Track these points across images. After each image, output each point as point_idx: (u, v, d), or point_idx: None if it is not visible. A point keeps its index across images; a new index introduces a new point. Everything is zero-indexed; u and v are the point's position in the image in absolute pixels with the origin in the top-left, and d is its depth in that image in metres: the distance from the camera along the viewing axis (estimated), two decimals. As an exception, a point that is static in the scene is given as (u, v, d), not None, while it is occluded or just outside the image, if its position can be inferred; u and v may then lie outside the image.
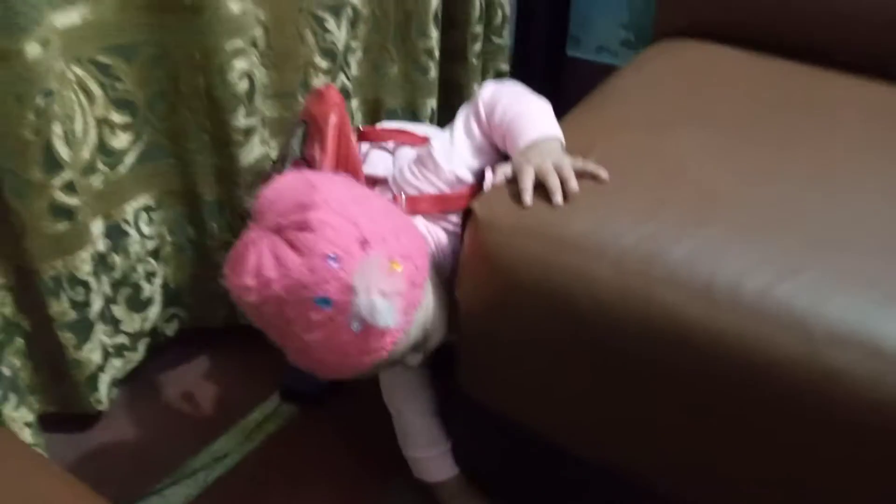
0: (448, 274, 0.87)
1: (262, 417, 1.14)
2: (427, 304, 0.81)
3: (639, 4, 1.56)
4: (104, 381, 1.06)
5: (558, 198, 0.76)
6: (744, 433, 0.70)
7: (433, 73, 1.34)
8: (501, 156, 0.88)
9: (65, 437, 1.09)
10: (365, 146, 1.01)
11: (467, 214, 0.80)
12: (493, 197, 0.80)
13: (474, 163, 0.89)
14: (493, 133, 0.89)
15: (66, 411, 1.07)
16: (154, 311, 1.13)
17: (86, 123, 0.95)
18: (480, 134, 0.90)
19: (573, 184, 0.77)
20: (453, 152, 0.90)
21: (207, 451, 1.09)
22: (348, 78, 1.21)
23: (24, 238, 0.91)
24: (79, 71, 0.93)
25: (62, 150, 0.88)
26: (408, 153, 0.96)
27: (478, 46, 1.42)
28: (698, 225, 0.73)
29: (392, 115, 1.35)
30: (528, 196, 0.76)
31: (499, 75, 1.53)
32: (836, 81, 1.03)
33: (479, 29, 1.41)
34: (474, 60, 1.43)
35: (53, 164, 0.88)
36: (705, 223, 0.74)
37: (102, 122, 0.98)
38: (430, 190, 0.89)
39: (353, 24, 1.20)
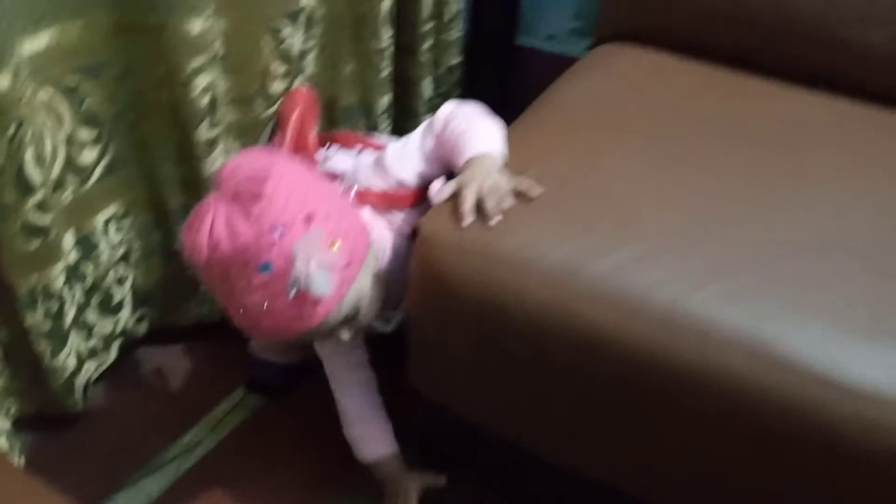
0: (385, 264, 0.96)
1: (229, 408, 1.21)
2: (361, 284, 0.88)
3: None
4: (79, 384, 1.12)
5: (493, 222, 0.83)
6: (653, 428, 0.80)
7: (386, 71, 1.39)
8: (448, 169, 0.95)
9: (46, 436, 1.15)
10: (334, 147, 1.10)
11: (415, 231, 0.87)
12: (437, 214, 0.87)
13: (422, 170, 0.98)
14: (442, 146, 0.96)
15: (45, 413, 1.13)
16: (125, 314, 1.19)
17: (55, 143, 1.00)
18: (432, 146, 0.98)
19: (506, 205, 0.84)
20: (404, 158, 0.99)
21: (179, 442, 1.16)
22: (305, 78, 1.27)
23: (-1, 256, 0.97)
24: (48, 93, 0.98)
25: (33, 173, 0.93)
26: (368, 157, 1.04)
27: (429, 43, 1.48)
28: (620, 243, 0.81)
29: (347, 112, 1.41)
30: (466, 221, 0.84)
31: (450, 69, 1.58)
32: (765, 90, 1.11)
33: (429, 26, 1.46)
34: (425, 56, 1.48)
35: (25, 186, 0.93)
36: (627, 241, 0.81)
37: (71, 140, 1.02)
38: (379, 187, 0.97)
39: (308, 26, 1.24)
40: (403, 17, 1.42)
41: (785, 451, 0.74)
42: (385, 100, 1.42)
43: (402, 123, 1.52)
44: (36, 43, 0.94)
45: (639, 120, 1.02)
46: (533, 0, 1.69)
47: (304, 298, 0.81)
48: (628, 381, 0.78)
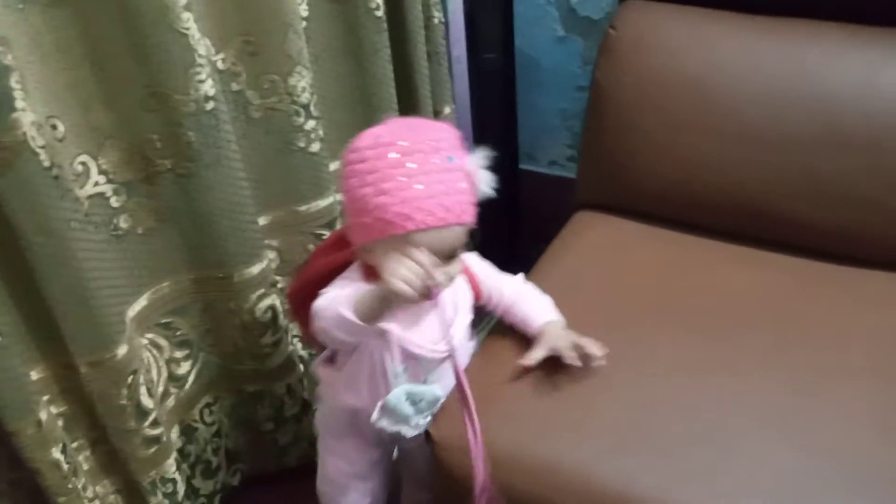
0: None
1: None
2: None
3: (578, 128, 1.84)
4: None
5: (599, 361, 1.08)
6: None
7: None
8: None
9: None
10: None
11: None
12: (444, 419, 1.13)
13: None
14: (509, 313, 1.19)
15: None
16: (222, 474, 1.51)
17: (159, 368, 1.32)
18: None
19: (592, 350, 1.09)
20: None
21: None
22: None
23: (126, 463, 1.28)
24: (150, 335, 1.30)
25: (147, 402, 1.25)
26: None
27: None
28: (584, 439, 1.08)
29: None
30: (591, 361, 1.09)
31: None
32: (711, 253, 1.36)
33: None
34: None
35: (142, 413, 1.25)
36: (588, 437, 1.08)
37: (169, 361, 1.35)
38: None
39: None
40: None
41: None
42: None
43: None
44: (137, 306, 1.26)
45: (606, 309, 1.24)
46: (530, 133, 1.95)
47: (470, 193, 0.99)
48: None
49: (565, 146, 1.94)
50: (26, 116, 0.96)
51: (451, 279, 1.03)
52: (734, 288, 1.29)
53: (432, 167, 0.96)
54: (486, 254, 1.90)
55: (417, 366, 1.09)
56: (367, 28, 1.41)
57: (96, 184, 1.14)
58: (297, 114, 1.33)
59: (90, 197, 1.14)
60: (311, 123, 1.36)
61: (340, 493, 1.29)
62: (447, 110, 1.72)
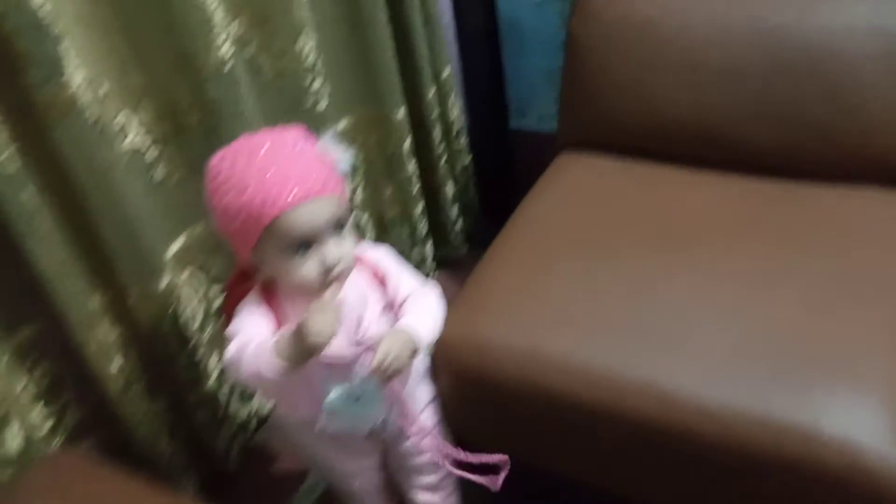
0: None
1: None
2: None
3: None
4: (234, 454, 1.65)
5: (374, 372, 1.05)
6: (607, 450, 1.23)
7: (416, 188, 1.88)
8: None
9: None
10: None
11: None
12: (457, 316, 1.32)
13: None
14: (397, 300, 1.17)
15: (210, 479, 1.63)
16: (256, 401, 1.71)
17: (198, 302, 1.52)
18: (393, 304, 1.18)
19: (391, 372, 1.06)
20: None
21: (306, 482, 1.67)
22: (357, 203, 1.77)
23: (173, 383, 1.47)
24: (187, 273, 1.49)
25: (189, 328, 1.45)
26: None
27: (444, 158, 1.95)
28: (561, 330, 1.25)
29: (392, 222, 1.90)
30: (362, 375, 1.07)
31: (464, 168, 2.06)
32: (682, 179, 1.53)
33: (442, 147, 1.93)
34: (443, 168, 1.96)
35: (185, 338, 1.45)
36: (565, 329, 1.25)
37: (206, 297, 1.54)
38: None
39: (353, 174, 1.74)
40: (422, 146, 1.90)
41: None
42: (419, 207, 1.91)
43: (435, 218, 2.00)
44: (175, 246, 1.46)
45: (585, 230, 1.41)
46: (519, 93, 2.11)
47: (328, 169, 1.03)
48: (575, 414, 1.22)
49: (552, 102, 2.09)
50: (75, 77, 1.16)
51: (345, 258, 1.04)
52: (697, 205, 1.46)
53: (282, 155, 1.00)
54: (484, 208, 2.10)
55: (341, 366, 1.08)
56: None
57: (134, 138, 1.34)
58: (305, 75, 1.52)
59: (130, 149, 1.33)
60: (317, 84, 1.55)
61: (350, 481, 1.36)
62: (446, 72, 1.91)
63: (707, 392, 1.11)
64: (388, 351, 1.05)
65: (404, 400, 1.18)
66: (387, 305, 1.16)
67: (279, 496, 1.64)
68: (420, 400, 1.27)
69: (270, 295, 1.11)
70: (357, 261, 1.12)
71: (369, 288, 1.15)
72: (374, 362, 1.04)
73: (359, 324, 1.09)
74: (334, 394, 1.06)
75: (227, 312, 1.16)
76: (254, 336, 1.06)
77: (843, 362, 1.11)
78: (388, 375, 1.06)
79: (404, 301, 1.16)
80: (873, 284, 1.22)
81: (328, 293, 1.02)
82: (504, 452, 1.32)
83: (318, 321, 0.97)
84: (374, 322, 1.13)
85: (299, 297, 1.06)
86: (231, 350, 1.06)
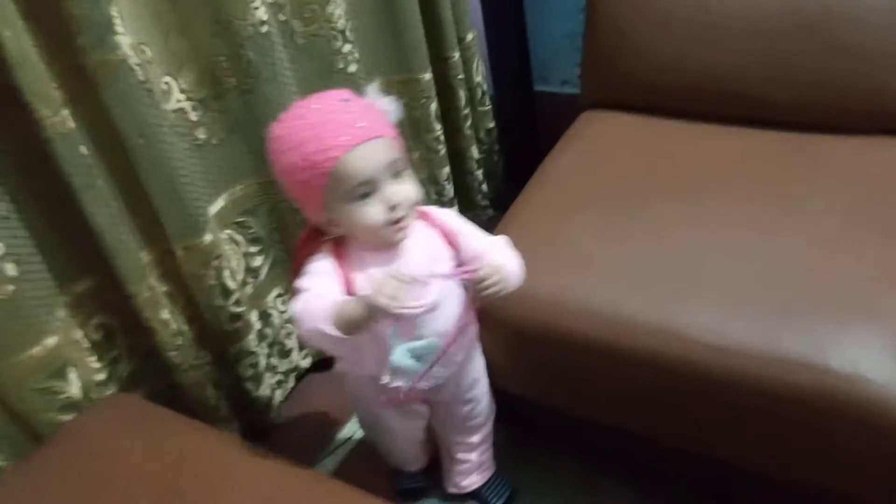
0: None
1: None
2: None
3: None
4: (274, 405, 1.73)
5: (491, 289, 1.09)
6: (644, 394, 1.28)
7: (443, 151, 1.94)
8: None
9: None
10: None
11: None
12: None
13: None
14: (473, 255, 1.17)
15: (252, 428, 1.72)
16: (295, 356, 1.78)
17: (238, 260, 1.59)
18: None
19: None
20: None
21: (339, 436, 1.74)
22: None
23: (216, 337, 1.55)
24: (229, 231, 1.56)
25: (230, 283, 1.52)
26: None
27: (469, 122, 2.01)
28: (587, 278, 1.31)
29: (420, 184, 1.96)
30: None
31: (488, 132, 2.12)
32: (702, 132, 1.59)
33: (466, 111, 1.99)
34: (468, 131, 2.02)
35: (226, 293, 1.52)
36: (589, 276, 1.32)
37: (246, 255, 1.62)
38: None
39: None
40: (447, 109, 1.95)
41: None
42: (445, 170, 1.97)
43: (461, 181, 2.06)
44: (217, 206, 1.53)
45: (605, 183, 1.48)
46: (542, 56, 2.17)
47: (378, 115, 1.10)
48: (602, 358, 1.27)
49: (575, 66, 2.14)
50: (124, 39, 1.22)
51: (408, 199, 1.09)
52: (714, 157, 1.51)
53: (333, 109, 1.06)
54: (509, 171, 2.16)
55: (406, 322, 1.09)
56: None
57: (178, 101, 1.40)
58: (336, 38, 1.58)
59: (174, 111, 1.40)
60: (347, 47, 1.61)
61: (394, 436, 1.42)
62: (470, 36, 1.96)
63: (722, 330, 1.17)
64: (496, 270, 1.08)
65: (463, 362, 1.24)
66: (458, 265, 1.16)
67: (317, 445, 1.71)
68: (477, 366, 1.33)
69: (340, 253, 1.14)
70: (425, 218, 1.17)
71: (440, 247, 1.16)
72: (482, 273, 1.07)
73: (427, 278, 1.09)
74: (400, 349, 1.09)
75: (296, 266, 1.17)
76: (322, 293, 1.08)
77: (855, 299, 1.16)
78: (488, 293, 1.08)
79: (479, 256, 1.15)
80: (887, 225, 1.26)
81: (398, 249, 1.09)
82: (534, 398, 1.40)
83: (389, 285, 0.99)
84: (440, 278, 1.12)
85: (368, 256, 1.12)
86: (297, 305, 1.09)
